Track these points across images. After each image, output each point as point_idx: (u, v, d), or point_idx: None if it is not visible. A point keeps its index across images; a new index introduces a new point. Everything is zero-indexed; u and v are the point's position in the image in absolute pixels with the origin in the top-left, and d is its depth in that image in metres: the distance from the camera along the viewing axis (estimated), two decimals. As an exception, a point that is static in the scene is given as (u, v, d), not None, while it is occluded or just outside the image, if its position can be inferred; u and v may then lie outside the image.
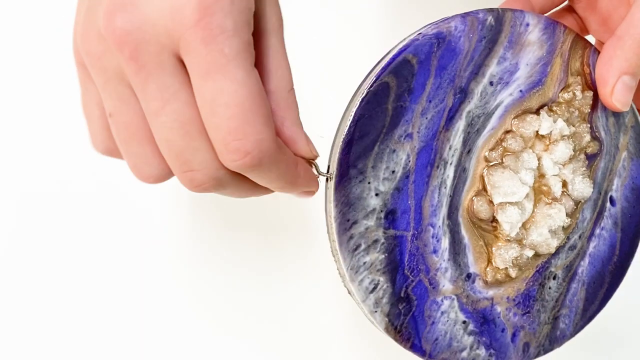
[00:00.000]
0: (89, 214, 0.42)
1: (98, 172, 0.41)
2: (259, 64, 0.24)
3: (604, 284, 0.31)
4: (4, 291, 0.41)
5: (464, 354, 0.29)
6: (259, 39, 0.24)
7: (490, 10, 0.28)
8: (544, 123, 0.29)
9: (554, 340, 0.30)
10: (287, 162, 0.24)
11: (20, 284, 0.41)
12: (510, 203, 0.28)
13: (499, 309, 0.29)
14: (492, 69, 0.28)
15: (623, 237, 0.31)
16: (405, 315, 0.28)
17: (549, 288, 0.30)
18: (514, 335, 0.30)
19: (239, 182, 0.24)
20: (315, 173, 0.26)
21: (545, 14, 0.30)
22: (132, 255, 0.42)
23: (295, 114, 0.25)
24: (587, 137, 0.30)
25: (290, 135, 0.25)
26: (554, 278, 0.30)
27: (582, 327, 0.31)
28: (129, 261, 0.42)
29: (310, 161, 0.26)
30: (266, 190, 0.26)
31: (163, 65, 0.21)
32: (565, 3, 0.31)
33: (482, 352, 0.29)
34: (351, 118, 0.26)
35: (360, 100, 0.26)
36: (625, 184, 0.31)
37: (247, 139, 0.21)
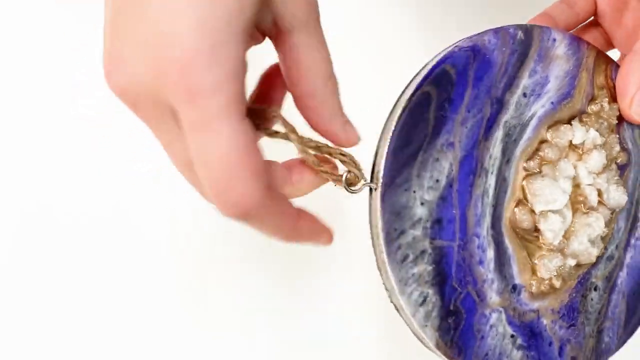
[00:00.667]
0: (94, 219, 0.41)
1: (101, 177, 0.41)
2: (289, 62, 0.24)
3: (643, 295, 0.31)
4: (9, 296, 0.40)
5: (514, 369, 0.28)
6: (283, 39, 0.24)
7: (520, 25, 0.29)
8: (577, 132, 0.29)
9: (600, 355, 0.30)
10: (283, 214, 0.24)
11: (26, 283, 0.40)
12: (552, 211, 0.28)
13: (544, 321, 0.29)
14: (525, 81, 0.29)
15: (656, 247, 0.31)
16: (455, 330, 0.27)
17: (591, 299, 0.30)
18: (561, 349, 0.29)
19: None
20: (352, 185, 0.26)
21: (571, 30, 0.31)
22: (140, 251, 0.41)
23: (333, 106, 0.25)
24: (617, 148, 0.30)
25: (326, 130, 0.25)
26: (595, 289, 0.30)
27: (625, 341, 0.31)
28: (136, 258, 0.41)
29: (345, 160, 0.26)
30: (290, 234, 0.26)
31: (160, 116, 0.21)
32: (591, 18, 0.33)
33: (531, 367, 0.28)
34: (394, 126, 0.26)
35: (402, 108, 0.26)
36: None
37: (231, 193, 0.21)
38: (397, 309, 0.27)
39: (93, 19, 0.23)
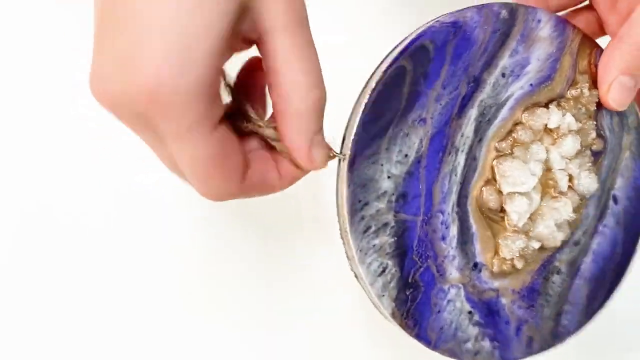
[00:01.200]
0: (94, 210, 0.41)
1: (100, 177, 0.41)
2: (268, 67, 0.24)
3: (606, 282, 0.31)
4: (9, 296, 0.40)
5: (469, 345, 0.29)
6: (264, 40, 0.23)
7: (505, 4, 0.29)
8: (553, 116, 0.29)
9: (556, 337, 0.30)
10: (262, 188, 0.26)
11: (26, 283, 0.41)
12: (519, 193, 0.28)
13: (504, 300, 0.29)
14: (505, 61, 0.29)
15: (625, 236, 0.32)
16: (412, 302, 0.28)
17: (553, 282, 0.30)
18: (518, 328, 0.30)
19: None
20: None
21: (561, 12, 0.31)
22: (136, 246, 0.41)
23: (305, 122, 0.24)
24: (593, 134, 0.30)
25: (289, 143, 0.25)
26: (558, 273, 0.30)
27: (583, 324, 0.31)
28: (133, 254, 0.41)
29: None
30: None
31: (143, 127, 0.23)
32: (586, 2, 0.32)
33: (486, 344, 0.29)
34: (367, 99, 0.26)
35: (376, 81, 0.26)
36: (629, 183, 0.32)
37: (210, 191, 0.24)
38: (357, 278, 0.28)
39: (92, 19, 0.23)
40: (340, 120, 0.28)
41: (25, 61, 0.42)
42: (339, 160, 0.27)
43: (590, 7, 0.32)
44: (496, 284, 0.29)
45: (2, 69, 0.42)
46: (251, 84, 0.26)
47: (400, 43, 0.27)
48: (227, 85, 0.25)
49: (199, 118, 0.22)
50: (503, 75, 0.29)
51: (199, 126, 0.22)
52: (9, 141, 0.41)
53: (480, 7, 0.28)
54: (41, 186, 0.41)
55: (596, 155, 0.31)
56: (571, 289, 0.31)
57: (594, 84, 0.30)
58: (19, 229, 0.41)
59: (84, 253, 0.41)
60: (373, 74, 0.27)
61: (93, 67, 0.22)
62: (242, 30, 0.23)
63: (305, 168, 0.26)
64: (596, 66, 0.30)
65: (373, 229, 0.27)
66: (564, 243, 0.30)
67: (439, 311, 0.28)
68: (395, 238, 0.27)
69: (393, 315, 0.27)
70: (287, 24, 0.23)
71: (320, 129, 0.25)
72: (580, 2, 0.32)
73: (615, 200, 0.31)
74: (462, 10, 0.28)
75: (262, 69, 0.25)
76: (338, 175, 0.27)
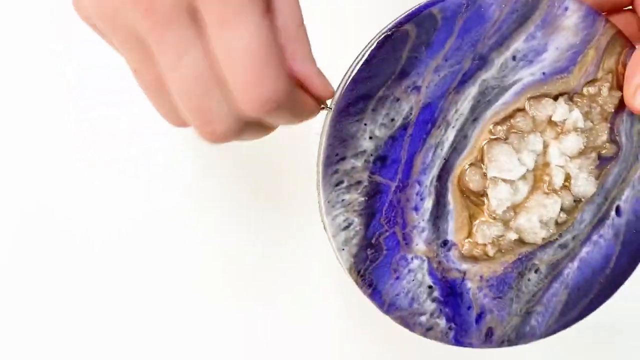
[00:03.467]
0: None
1: (99, 177, 0.41)
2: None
3: (590, 294, 0.30)
4: (9, 297, 0.41)
5: (423, 318, 0.29)
6: None
7: None
8: (559, 109, 0.28)
9: (521, 335, 0.30)
10: (301, 101, 0.25)
11: (25, 283, 0.41)
12: (504, 180, 0.28)
13: (469, 284, 0.29)
14: (518, 44, 0.28)
15: (622, 251, 0.30)
16: (372, 262, 0.28)
17: (528, 280, 0.29)
18: (479, 316, 0.29)
19: (255, 125, 0.24)
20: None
21: (604, 11, 0.29)
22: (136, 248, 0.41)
23: (306, 50, 0.24)
24: (604, 137, 0.29)
25: (302, 72, 0.24)
26: (535, 271, 0.29)
27: (554, 331, 0.30)
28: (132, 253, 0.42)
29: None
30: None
31: (178, 19, 0.21)
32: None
33: (442, 322, 0.29)
34: (363, 57, 0.27)
35: (375, 41, 0.27)
36: (638, 197, 0.30)
37: (264, 86, 0.21)
38: (324, 228, 0.29)
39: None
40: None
41: (24, 61, 0.42)
42: (327, 113, 0.28)
43: (632, 10, 0.30)
44: (464, 266, 0.29)
45: (1, 69, 0.42)
46: None
47: (410, 9, 0.27)
48: None
49: None
50: (514, 58, 0.28)
51: (255, 5, 0.21)
52: (8, 140, 0.42)
53: None
54: (39, 187, 0.41)
55: (605, 160, 0.29)
56: (548, 291, 0.30)
57: (617, 85, 0.29)
58: (18, 230, 0.41)
59: (83, 252, 0.41)
60: (375, 36, 0.28)
61: None
62: None
63: (321, 89, 0.25)
64: (624, 66, 0.28)
65: (345, 184, 0.28)
66: (549, 242, 0.29)
67: (397, 277, 0.28)
68: (366, 198, 0.28)
69: (350, 270, 0.28)
70: None
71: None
72: (621, 3, 0.30)
73: (619, 212, 0.30)
74: (481, -15, 0.27)
75: None
76: (322, 128, 0.28)
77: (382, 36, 0.27)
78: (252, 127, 0.24)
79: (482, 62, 0.28)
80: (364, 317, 0.41)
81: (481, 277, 0.29)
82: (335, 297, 0.42)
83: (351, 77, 0.27)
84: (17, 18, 0.41)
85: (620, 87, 0.29)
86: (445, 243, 0.29)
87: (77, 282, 0.41)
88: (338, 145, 0.27)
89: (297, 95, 0.24)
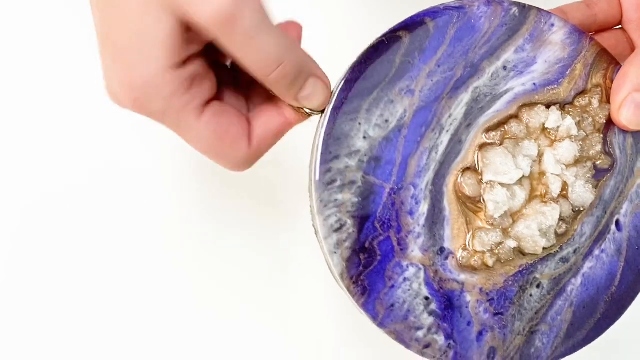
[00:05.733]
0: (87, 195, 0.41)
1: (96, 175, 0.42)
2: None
3: (596, 313, 0.28)
4: (10, 297, 0.40)
5: (420, 333, 0.27)
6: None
7: (517, 3, 0.29)
8: (552, 116, 0.28)
9: (526, 358, 0.27)
10: (273, 136, 0.28)
11: (25, 283, 0.41)
12: (501, 184, 0.27)
13: (468, 298, 0.27)
14: (509, 55, 0.28)
15: (626, 268, 0.28)
16: (365, 268, 0.26)
17: (530, 295, 0.28)
18: (480, 334, 0.27)
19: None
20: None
21: (591, 32, 0.31)
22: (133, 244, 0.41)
23: (282, 90, 0.26)
24: (598, 148, 0.29)
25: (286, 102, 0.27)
26: (537, 286, 0.28)
27: (562, 355, 0.28)
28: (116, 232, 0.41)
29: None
30: None
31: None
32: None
33: (440, 339, 0.27)
34: (357, 59, 0.27)
35: (370, 46, 0.27)
36: (637, 212, 0.29)
37: (227, 163, 0.27)
38: (315, 233, 0.27)
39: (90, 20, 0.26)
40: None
41: (24, 60, 0.42)
42: (321, 113, 0.28)
43: (622, 29, 0.32)
44: (462, 277, 0.27)
45: (2, 68, 0.42)
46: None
47: (402, 20, 0.28)
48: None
49: (178, 111, 0.25)
50: (505, 68, 0.28)
51: (182, 117, 0.25)
52: (7, 140, 0.42)
53: (489, 1, 0.29)
54: (37, 184, 0.41)
55: (601, 172, 0.29)
56: (552, 309, 0.28)
57: (607, 98, 0.29)
58: (17, 228, 0.41)
59: (81, 252, 0.41)
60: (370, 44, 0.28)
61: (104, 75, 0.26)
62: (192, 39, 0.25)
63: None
64: (612, 81, 0.29)
65: (338, 183, 0.27)
66: (549, 255, 0.28)
67: (392, 286, 0.27)
68: (360, 199, 0.27)
69: (342, 276, 0.26)
70: (225, 24, 0.23)
71: (300, 87, 0.26)
72: (604, 22, 0.31)
73: (619, 226, 0.29)
74: (470, 0, 0.29)
75: None
76: (317, 129, 0.28)
77: (376, 41, 0.27)
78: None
79: (474, 70, 0.28)
80: (359, 323, 0.39)
81: (481, 289, 0.27)
82: (331, 300, 0.40)
83: (345, 78, 0.27)
84: (17, 18, 0.43)
85: (609, 101, 0.29)
86: (442, 250, 0.27)
87: (76, 282, 0.40)
88: (332, 144, 0.27)
89: (267, 138, 0.27)
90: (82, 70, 0.41)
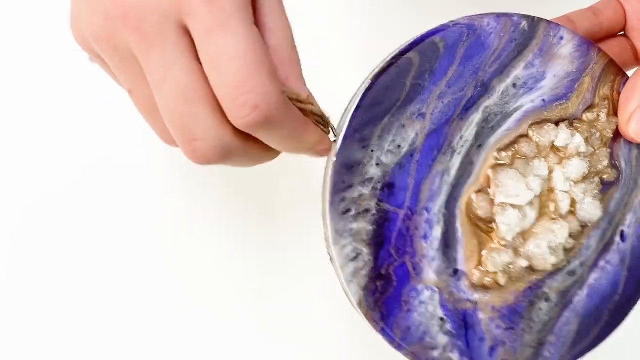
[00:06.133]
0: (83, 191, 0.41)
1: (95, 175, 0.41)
2: (257, 23, 0.23)
3: (600, 322, 0.29)
4: (9, 297, 0.40)
5: (436, 353, 0.28)
6: None
7: (526, 16, 0.28)
8: (561, 134, 0.28)
9: (534, 368, 0.29)
10: (296, 117, 0.24)
11: (25, 283, 0.41)
12: (512, 205, 0.28)
13: (481, 316, 0.28)
14: (518, 72, 0.28)
15: (629, 277, 0.30)
16: (382, 294, 0.27)
17: (539, 309, 0.29)
18: (492, 349, 0.28)
19: (245, 148, 0.24)
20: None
21: (596, 40, 0.30)
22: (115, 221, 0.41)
23: (299, 70, 0.24)
24: (605, 162, 0.29)
25: (295, 90, 0.24)
26: (546, 300, 0.29)
27: (567, 363, 0.29)
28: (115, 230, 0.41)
29: (318, 120, 0.27)
30: (274, 154, 0.26)
31: (165, 34, 0.21)
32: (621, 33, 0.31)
33: (455, 357, 0.28)
34: (368, 84, 0.27)
35: (380, 69, 0.27)
36: None
37: (255, 91, 0.21)
38: (332, 261, 0.28)
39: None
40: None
41: (25, 61, 0.42)
42: (332, 142, 0.27)
43: (625, 35, 0.31)
44: (475, 296, 0.28)
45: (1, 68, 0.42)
46: None
47: (411, 39, 0.28)
48: None
49: (243, 4, 0.21)
50: (514, 85, 0.28)
51: (242, 12, 0.21)
52: (7, 140, 0.41)
53: (499, 15, 0.28)
54: (34, 184, 0.41)
55: (607, 185, 0.29)
56: (559, 320, 0.29)
57: (614, 111, 0.29)
58: (17, 228, 0.41)
59: (80, 252, 0.41)
60: (379, 65, 0.28)
61: (72, 11, 0.23)
62: None
63: (314, 111, 0.25)
64: (619, 93, 0.29)
65: (353, 212, 0.27)
66: (558, 270, 0.29)
67: (409, 310, 0.27)
68: (375, 227, 0.27)
69: (359, 304, 0.27)
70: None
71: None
72: (610, 30, 0.31)
73: (623, 237, 0.30)
74: (480, 15, 0.28)
75: None
76: (328, 157, 0.27)
77: (386, 64, 0.27)
78: (243, 148, 0.24)
79: (484, 89, 0.28)
80: (360, 327, 0.41)
81: (493, 307, 0.28)
82: (330, 300, 0.40)
83: (356, 104, 0.27)
84: (16, 18, 0.41)
85: (616, 114, 0.29)
86: (455, 272, 0.28)
87: (75, 283, 0.40)
88: (345, 173, 0.27)
89: (292, 109, 0.23)
90: (80, 70, 0.39)
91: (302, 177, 0.40)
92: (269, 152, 0.26)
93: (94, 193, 0.41)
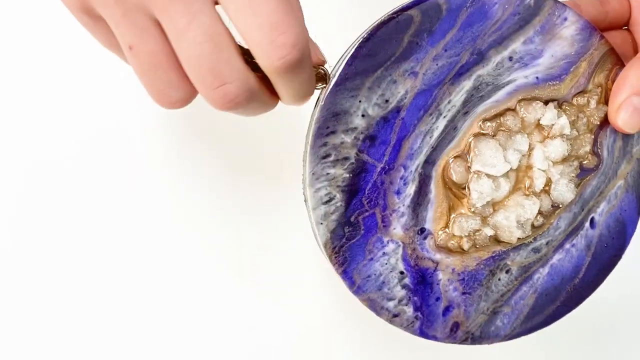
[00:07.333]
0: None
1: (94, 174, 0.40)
2: None
3: (556, 302, 0.30)
4: (9, 297, 0.40)
5: (391, 304, 0.29)
6: None
7: None
8: (548, 113, 0.28)
9: (485, 335, 0.30)
10: (312, 63, 0.24)
11: (25, 282, 0.40)
12: (488, 175, 0.28)
13: (440, 276, 0.29)
14: (517, 45, 0.28)
15: (592, 263, 0.30)
16: (348, 240, 0.28)
17: (498, 279, 0.30)
18: (446, 309, 0.29)
19: (263, 93, 0.24)
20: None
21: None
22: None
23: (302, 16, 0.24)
24: (587, 148, 0.29)
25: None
26: (507, 272, 0.30)
27: (518, 335, 0.30)
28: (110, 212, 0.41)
29: (320, 68, 0.27)
30: (275, 104, 0.26)
31: (127, 14, 0.21)
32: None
33: (409, 310, 0.29)
34: (365, 35, 0.27)
35: (379, 22, 0.27)
36: (612, 212, 0.30)
37: (291, 31, 0.22)
38: (305, 201, 0.29)
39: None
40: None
41: (26, 61, 0.41)
42: (322, 88, 0.28)
43: (628, 30, 0.31)
44: (437, 256, 0.29)
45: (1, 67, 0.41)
46: None
47: None
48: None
49: None
50: (510, 58, 0.29)
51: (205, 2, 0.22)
52: (7, 140, 0.40)
53: None
54: (33, 184, 0.40)
55: (585, 171, 0.30)
56: (517, 293, 0.30)
57: (605, 99, 0.29)
58: (16, 228, 0.40)
59: (78, 251, 0.40)
60: (380, 17, 0.28)
61: None
62: None
63: (318, 61, 0.26)
64: (613, 82, 0.29)
65: (332, 158, 0.28)
66: (523, 244, 0.29)
67: (371, 259, 0.28)
68: (351, 175, 0.28)
69: (325, 245, 0.28)
70: None
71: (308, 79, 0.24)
72: (614, 21, 0.31)
73: (593, 224, 0.30)
74: (488, -16, 0.28)
75: None
76: (316, 101, 0.28)
77: (387, 17, 0.27)
78: (260, 95, 0.24)
79: (480, 57, 0.28)
80: (354, 312, 0.41)
81: (453, 270, 0.29)
82: (326, 289, 0.41)
83: (351, 53, 0.27)
84: (16, 18, 0.41)
85: (607, 102, 0.29)
86: (422, 231, 0.29)
87: (73, 283, 0.40)
88: (330, 119, 0.27)
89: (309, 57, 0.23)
90: (79, 67, 0.39)
91: (291, 136, 0.40)
92: (273, 101, 0.26)
93: (86, 189, 0.40)
